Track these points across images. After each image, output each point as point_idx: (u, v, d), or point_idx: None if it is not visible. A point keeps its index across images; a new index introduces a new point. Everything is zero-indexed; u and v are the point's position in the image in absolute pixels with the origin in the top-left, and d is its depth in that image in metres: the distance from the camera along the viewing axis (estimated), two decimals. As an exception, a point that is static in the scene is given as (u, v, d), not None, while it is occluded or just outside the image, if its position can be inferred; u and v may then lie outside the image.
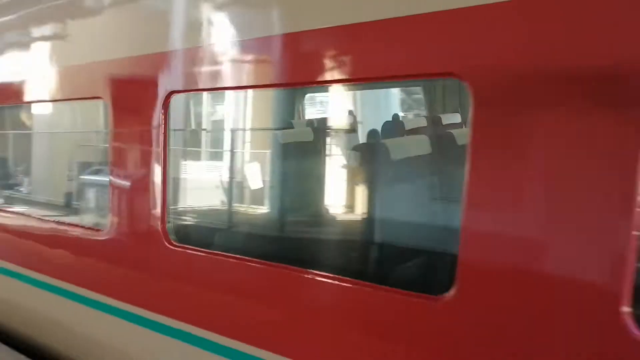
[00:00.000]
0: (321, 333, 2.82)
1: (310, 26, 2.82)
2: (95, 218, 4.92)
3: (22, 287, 4.85)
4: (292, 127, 5.26)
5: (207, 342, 3.29)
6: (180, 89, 3.48)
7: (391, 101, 5.86)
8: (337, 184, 4.30)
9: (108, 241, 4.00)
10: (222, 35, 3.28)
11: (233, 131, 5.37)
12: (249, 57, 3.16)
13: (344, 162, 4.62)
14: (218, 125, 5.64)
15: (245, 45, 3.13)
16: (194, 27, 3.40)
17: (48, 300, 4.53)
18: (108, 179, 3.95)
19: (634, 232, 1.91)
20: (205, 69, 3.34)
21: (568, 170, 2.03)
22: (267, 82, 3.20)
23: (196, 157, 4.88)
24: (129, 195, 3.82)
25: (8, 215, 5.38)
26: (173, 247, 3.48)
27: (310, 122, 5.55)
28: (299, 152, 4.69)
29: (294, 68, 2.96)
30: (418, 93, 5.52)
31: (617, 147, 1.93)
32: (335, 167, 4.65)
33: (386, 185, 3.75)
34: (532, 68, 2.10)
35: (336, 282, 2.75)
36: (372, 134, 4.69)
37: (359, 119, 5.56)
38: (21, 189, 6.24)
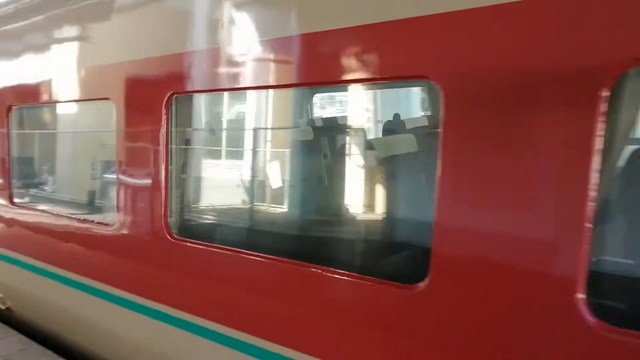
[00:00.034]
0: (311, 319, 2.99)
1: (296, 32, 2.97)
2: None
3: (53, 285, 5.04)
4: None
5: (207, 330, 3.48)
6: (181, 90, 3.66)
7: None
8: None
9: (116, 235, 4.22)
10: (214, 40, 3.45)
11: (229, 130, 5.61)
12: (236, 61, 3.33)
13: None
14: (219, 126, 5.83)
15: (234, 51, 3.30)
16: (189, 33, 3.59)
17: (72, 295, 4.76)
18: (115, 177, 4.16)
19: (587, 225, 2.01)
20: (203, 72, 3.52)
21: (526, 167, 2.14)
22: (247, 86, 3.39)
23: (198, 155, 5.06)
24: (134, 192, 4.02)
25: (30, 212, 5.63)
26: (174, 241, 3.68)
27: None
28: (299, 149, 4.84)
29: (276, 71, 3.13)
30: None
31: (570, 145, 2.03)
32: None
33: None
34: (490, 72, 2.22)
35: (327, 274, 2.90)
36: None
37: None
38: (46, 188, 6.48)
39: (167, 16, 3.81)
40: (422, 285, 2.48)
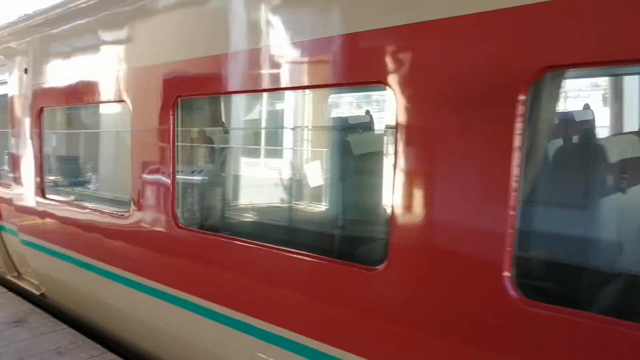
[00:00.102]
0: (285, 298, 3.37)
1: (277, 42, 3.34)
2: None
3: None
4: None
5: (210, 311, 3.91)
6: (185, 94, 4.07)
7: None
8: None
9: (132, 224, 4.68)
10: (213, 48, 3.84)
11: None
12: (230, 68, 3.71)
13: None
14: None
15: (230, 58, 3.68)
16: (189, 40, 3.99)
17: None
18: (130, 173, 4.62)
19: (511, 213, 2.31)
20: (206, 77, 3.91)
21: (459, 162, 2.45)
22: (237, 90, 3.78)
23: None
24: (146, 186, 4.46)
25: (60, 205, 6.14)
26: (180, 229, 4.11)
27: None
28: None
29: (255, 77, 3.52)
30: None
31: (495, 142, 2.33)
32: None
33: None
34: (430, 78, 2.54)
35: (295, 255, 3.30)
36: None
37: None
38: (90, 186, 6.96)
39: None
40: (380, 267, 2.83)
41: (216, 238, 3.90)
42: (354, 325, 2.96)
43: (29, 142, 6.25)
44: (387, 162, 3.03)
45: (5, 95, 6.90)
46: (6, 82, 6.88)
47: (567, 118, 3.63)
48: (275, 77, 3.37)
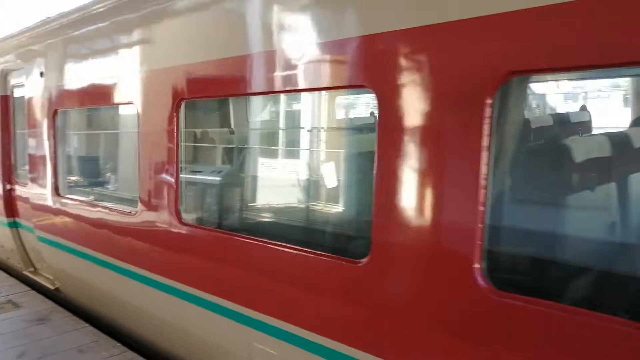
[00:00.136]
0: (276, 290, 3.55)
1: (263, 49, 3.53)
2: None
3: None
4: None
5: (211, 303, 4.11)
6: (187, 97, 4.27)
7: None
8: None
9: (139, 221, 4.90)
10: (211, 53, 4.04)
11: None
12: (227, 73, 3.90)
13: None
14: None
15: (227, 63, 3.87)
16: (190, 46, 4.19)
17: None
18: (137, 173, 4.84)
19: (480, 209, 2.46)
20: (204, 80, 4.11)
21: (436, 162, 2.60)
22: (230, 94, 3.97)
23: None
24: (153, 184, 4.68)
25: (73, 202, 6.39)
26: (182, 224, 4.32)
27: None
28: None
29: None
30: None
31: (465, 142, 2.48)
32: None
33: None
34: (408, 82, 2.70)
35: (287, 250, 3.47)
36: None
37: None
38: (109, 186, 7.18)
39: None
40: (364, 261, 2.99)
41: (216, 234, 4.10)
42: (346, 316, 3.13)
43: (45, 143, 6.52)
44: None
45: (23, 97, 7.20)
46: (23, 85, 7.19)
47: (556, 119, 3.77)
48: (272, 81, 3.55)
